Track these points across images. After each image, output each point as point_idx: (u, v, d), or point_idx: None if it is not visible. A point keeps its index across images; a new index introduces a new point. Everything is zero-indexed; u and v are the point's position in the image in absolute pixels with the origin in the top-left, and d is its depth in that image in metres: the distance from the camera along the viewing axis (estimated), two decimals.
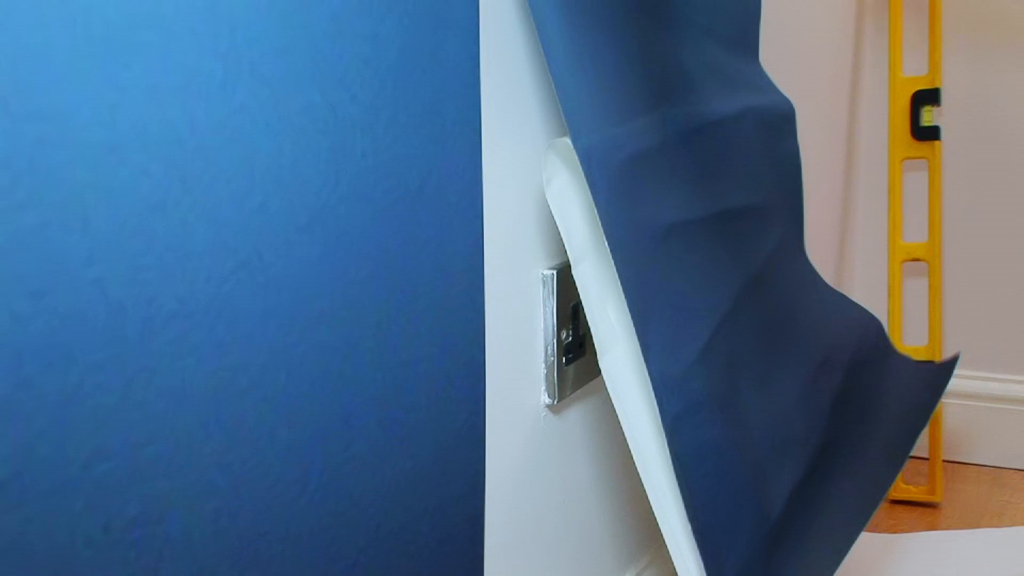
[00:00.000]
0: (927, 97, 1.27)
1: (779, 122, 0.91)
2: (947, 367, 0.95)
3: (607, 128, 0.60)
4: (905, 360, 0.96)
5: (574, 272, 0.60)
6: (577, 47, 0.60)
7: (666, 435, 0.58)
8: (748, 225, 0.79)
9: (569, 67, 0.58)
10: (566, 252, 0.66)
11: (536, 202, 0.62)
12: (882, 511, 1.22)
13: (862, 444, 0.82)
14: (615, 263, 0.56)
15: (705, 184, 0.72)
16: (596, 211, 0.56)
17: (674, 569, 0.88)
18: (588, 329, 0.68)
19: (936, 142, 1.28)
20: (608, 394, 0.75)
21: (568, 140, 0.57)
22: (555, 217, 0.58)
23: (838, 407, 0.81)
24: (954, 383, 1.43)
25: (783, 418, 0.74)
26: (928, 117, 1.28)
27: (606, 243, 0.56)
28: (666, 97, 0.71)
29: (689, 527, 0.58)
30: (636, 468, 0.81)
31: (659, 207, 0.63)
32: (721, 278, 0.71)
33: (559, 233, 0.66)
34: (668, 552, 0.88)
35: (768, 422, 0.71)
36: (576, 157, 0.57)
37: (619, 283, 0.59)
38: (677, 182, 0.67)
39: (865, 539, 0.99)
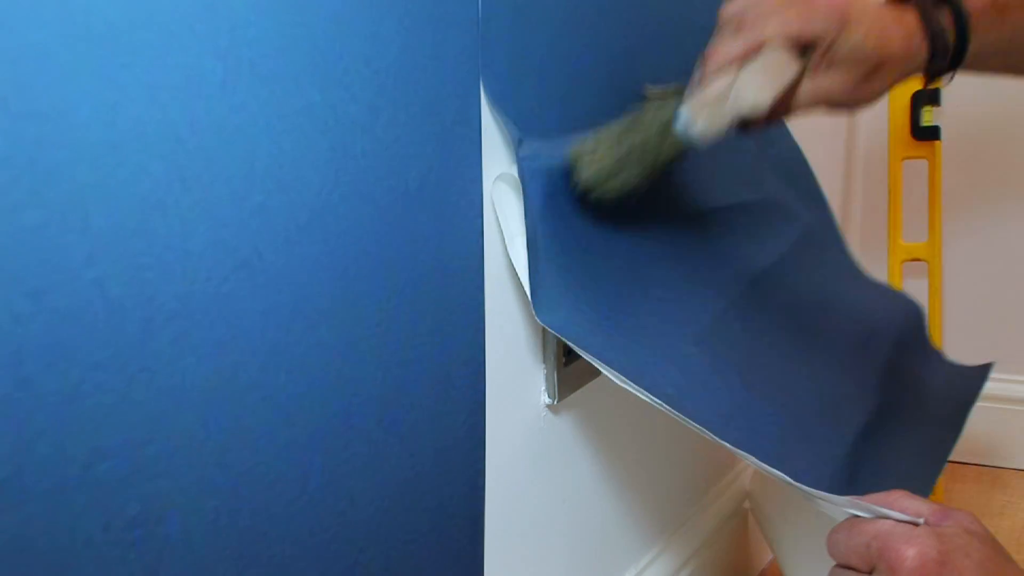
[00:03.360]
0: (927, 97, 1.27)
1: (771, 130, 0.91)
2: (981, 372, 0.95)
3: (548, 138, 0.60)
4: (941, 356, 0.96)
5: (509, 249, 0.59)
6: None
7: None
8: (740, 224, 0.79)
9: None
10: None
11: None
12: None
13: (915, 413, 0.82)
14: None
15: (680, 187, 0.73)
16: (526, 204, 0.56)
17: (673, 569, 0.88)
18: None
19: (936, 142, 1.27)
20: (608, 394, 0.75)
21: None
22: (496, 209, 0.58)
23: (889, 375, 0.81)
24: None
25: (831, 379, 0.74)
26: (928, 117, 1.28)
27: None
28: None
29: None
30: (636, 468, 0.82)
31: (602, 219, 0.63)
32: (702, 277, 0.72)
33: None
34: (666, 554, 0.88)
35: (811, 387, 0.71)
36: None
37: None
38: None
39: None
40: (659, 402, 0.55)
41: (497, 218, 0.58)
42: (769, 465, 0.53)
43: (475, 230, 0.56)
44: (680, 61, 0.77)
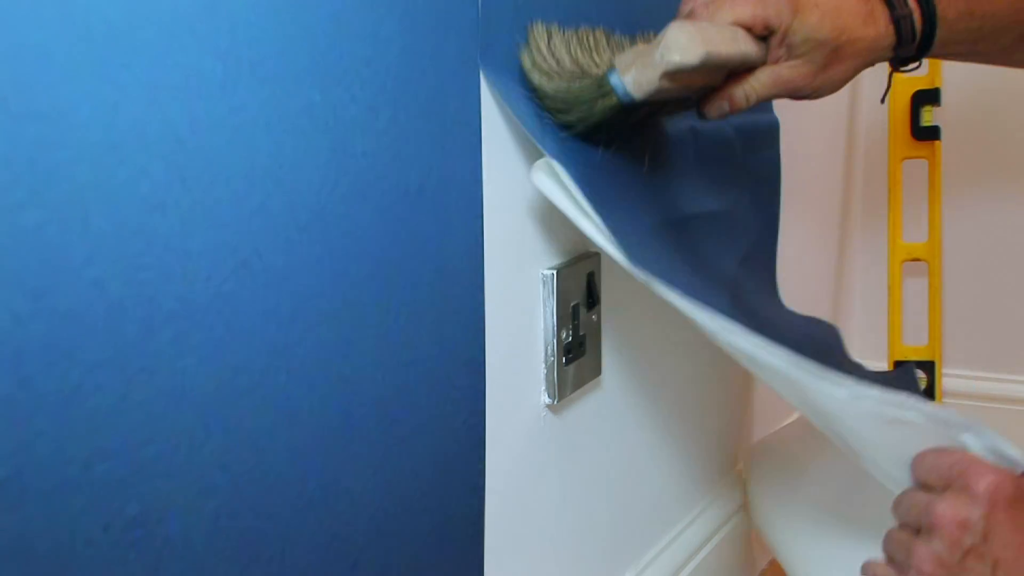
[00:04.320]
0: (927, 97, 1.27)
1: (761, 132, 0.91)
2: (907, 373, 0.96)
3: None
4: (864, 367, 0.96)
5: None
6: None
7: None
8: (708, 232, 0.79)
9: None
10: (566, 251, 0.66)
11: (536, 202, 0.62)
12: None
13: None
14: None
15: (666, 189, 0.72)
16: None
17: (673, 569, 0.88)
18: (589, 329, 0.69)
19: (936, 142, 1.28)
20: (607, 394, 0.75)
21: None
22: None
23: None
24: (954, 383, 1.43)
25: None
26: (928, 117, 1.28)
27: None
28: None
29: None
30: (636, 468, 0.82)
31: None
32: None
33: (558, 233, 0.66)
34: (666, 553, 0.88)
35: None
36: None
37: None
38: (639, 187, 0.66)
39: None
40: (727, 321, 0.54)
41: (513, 211, 0.58)
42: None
43: (475, 230, 0.56)
44: None
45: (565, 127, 0.60)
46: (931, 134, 1.27)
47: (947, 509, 0.49)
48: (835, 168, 1.39)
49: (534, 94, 0.59)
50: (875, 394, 0.52)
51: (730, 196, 0.84)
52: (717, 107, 0.66)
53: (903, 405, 0.51)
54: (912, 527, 0.52)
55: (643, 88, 0.57)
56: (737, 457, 1.07)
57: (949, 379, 1.43)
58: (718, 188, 0.81)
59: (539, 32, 0.59)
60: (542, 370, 0.65)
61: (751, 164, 0.88)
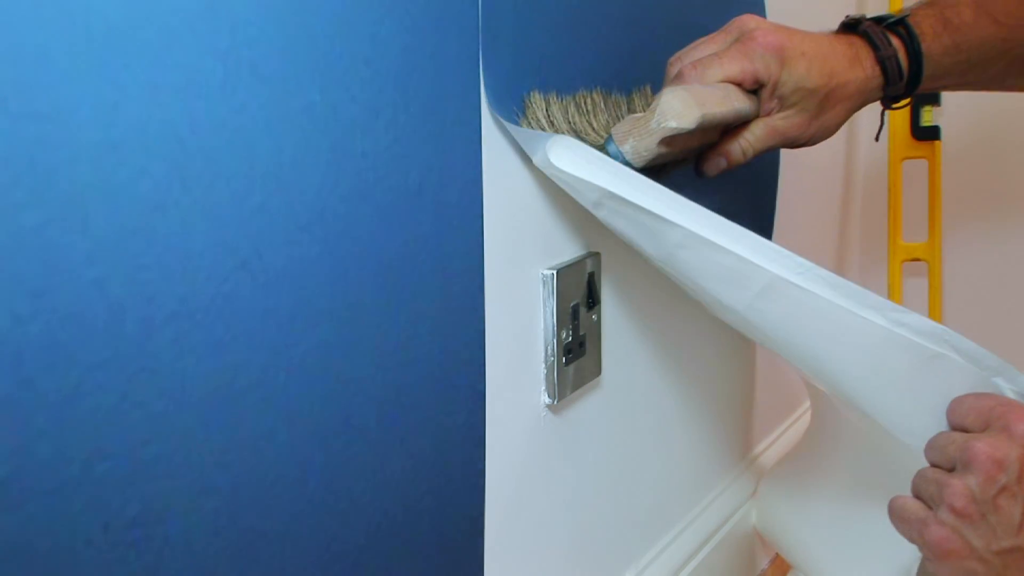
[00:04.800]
0: (927, 97, 1.27)
1: None
2: None
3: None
4: None
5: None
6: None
7: None
8: None
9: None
10: (566, 251, 0.66)
11: (536, 202, 0.62)
12: None
13: None
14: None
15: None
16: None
17: (673, 569, 0.88)
18: (589, 329, 0.69)
19: (936, 142, 1.28)
20: (607, 394, 0.75)
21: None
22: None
23: None
24: None
25: None
26: (928, 117, 1.28)
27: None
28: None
29: None
30: (636, 468, 0.82)
31: None
32: None
33: (558, 233, 0.66)
34: (666, 554, 0.88)
35: None
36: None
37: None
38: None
39: None
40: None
41: (513, 211, 0.58)
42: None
43: (475, 230, 0.56)
44: None
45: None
46: (931, 134, 1.28)
47: (985, 447, 0.50)
48: (835, 168, 1.39)
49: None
50: (913, 321, 0.52)
51: (724, 194, 0.84)
52: (715, 164, 0.67)
53: (940, 338, 0.52)
54: (946, 466, 0.53)
55: (642, 156, 0.58)
56: (737, 457, 1.07)
57: None
58: (712, 187, 0.81)
59: (537, 101, 0.59)
60: (542, 370, 0.65)
61: (751, 163, 0.88)
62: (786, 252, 0.54)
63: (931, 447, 0.54)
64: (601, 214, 0.58)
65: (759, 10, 0.94)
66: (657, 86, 0.69)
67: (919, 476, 0.54)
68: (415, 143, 0.50)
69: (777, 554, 1.13)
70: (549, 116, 0.60)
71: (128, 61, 0.35)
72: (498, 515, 0.61)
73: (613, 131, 0.59)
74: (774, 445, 1.18)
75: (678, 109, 0.57)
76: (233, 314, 0.40)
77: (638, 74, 0.72)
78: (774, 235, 1.02)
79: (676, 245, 0.56)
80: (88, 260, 0.34)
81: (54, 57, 0.33)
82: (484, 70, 0.55)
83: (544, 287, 0.64)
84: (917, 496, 0.54)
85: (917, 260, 1.32)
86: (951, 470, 0.52)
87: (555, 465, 0.68)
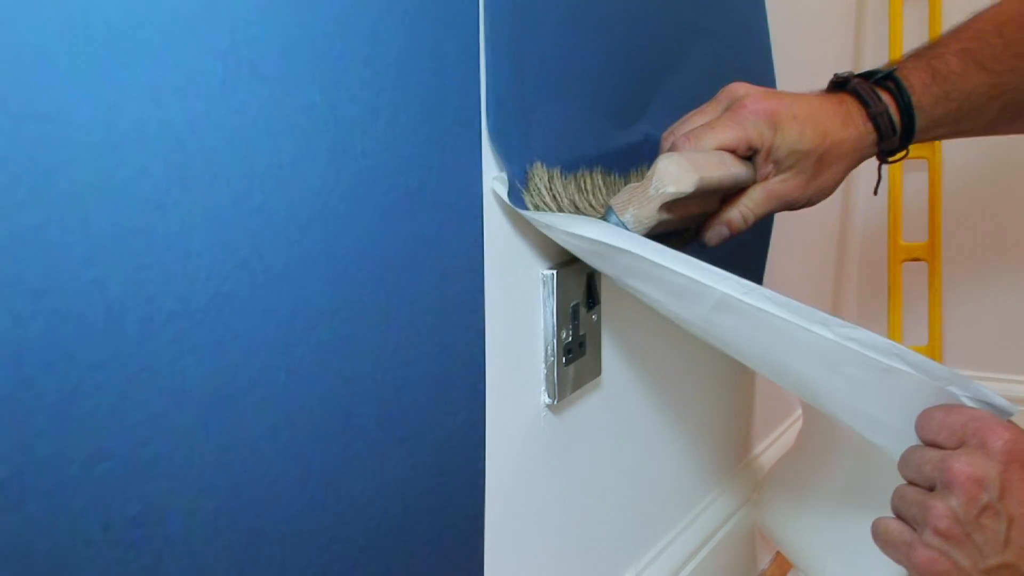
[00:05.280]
0: None
1: None
2: None
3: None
4: None
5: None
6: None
7: None
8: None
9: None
10: (566, 251, 0.66)
11: None
12: None
13: None
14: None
15: None
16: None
17: (674, 569, 0.88)
18: (589, 329, 0.69)
19: (936, 142, 1.28)
20: (607, 394, 0.75)
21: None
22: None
23: None
24: None
25: None
26: None
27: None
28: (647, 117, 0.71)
29: None
30: (636, 468, 0.82)
31: None
32: None
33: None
34: (666, 554, 0.88)
35: None
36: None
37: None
38: None
39: None
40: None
41: (513, 212, 0.59)
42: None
43: (475, 230, 0.56)
44: (683, 64, 0.77)
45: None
46: None
47: (964, 466, 0.49)
48: None
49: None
50: (862, 336, 0.52)
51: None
52: (717, 233, 0.67)
53: (889, 353, 0.51)
54: (924, 485, 0.52)
55: (642, 223, 0.58)
56: (737, 457, 1.07)
57: None
58: None
59: (540, 174, 0.60)
60: (542, 370, 0.65)
61: None
62: (730, 275, 0.54)
63: (905, 464, 0.54)
64: (561, 242, 0.60)
65: (766, 55, 0.94)
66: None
67: (898, 496, 0.54)
68: (415, 143, 0.50)
69: (777, 553, 1.13)
70: (552, 190, 0.61)
71: (128, 61, 0.35)
72: (498, 515, 0.61)
73: (612, 202, 0.60)
74: (773, 446, 1.18)
75: (676, 174, 0.57)
76: (233, 314, 0.40)
77: (642, 75, 0.72)
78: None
79: (624, 269, 0.57)
80: (88, 260, 0.34)
81: (54, 57, 0.33)
82: (486, 73, 0.55)
83: (544, 287, 0.64)
84: (899, 515, 0.54)
85: (917, 260, 1.32)
86: (930, 488, 0.52)
87: (555, 465, 0.68)
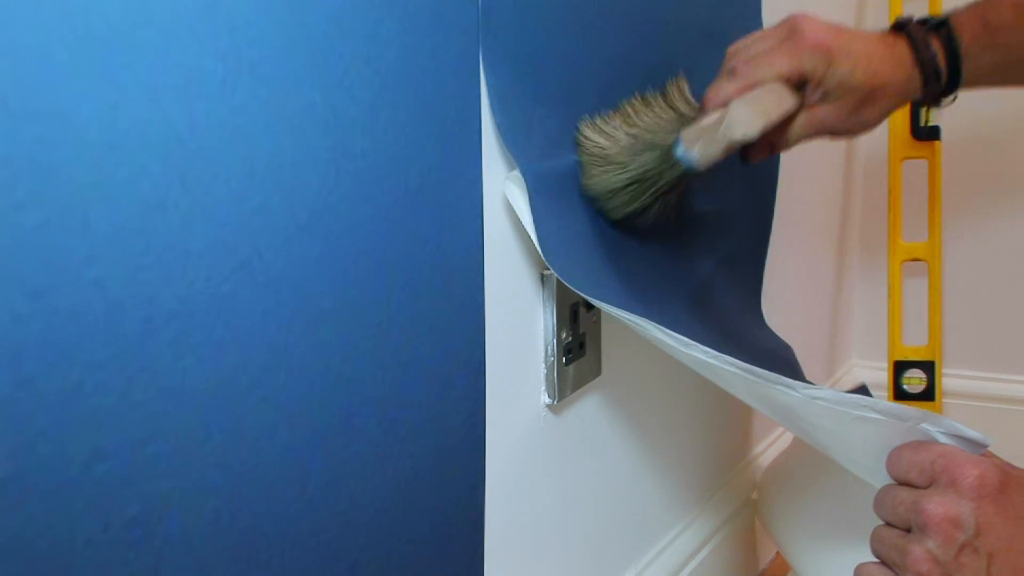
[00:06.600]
0: None
1: None
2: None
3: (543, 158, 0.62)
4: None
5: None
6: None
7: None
8: (691, 230, 0.79)
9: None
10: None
11: None
12: None
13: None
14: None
15: None
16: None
17: (674, 569, 0.88)
18: (589, 329, 0.69)
19: (936, 142, 1.27)
20: (607, 394, 0.75)
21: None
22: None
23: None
24: (954, 383, 1.43)
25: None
26: (928, 117, 1.28)
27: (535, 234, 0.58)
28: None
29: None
30: (636, 468, 0.82)
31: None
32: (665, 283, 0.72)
33: None
34: (666, 554, 0.88)
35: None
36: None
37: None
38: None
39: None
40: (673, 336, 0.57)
41: (513, 212, 0.59)
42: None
43: (475, 230, 0.56)
44: (683, 60, 0.77)
45: (624, 203, 0.65)
46: (931, 134, 1.27)
47: (937, 507, 0.49)
48: (835, 168, 1.39)
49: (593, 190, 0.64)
50: (828, 395, 0.52)
51: (722, 196, 0.84)
52: (762, 155, 0.71)
53: (856, 405, 0.52)
54: (900, 526, 0.52)
55: (708, 159, 0.62)
56: (737, 457, 1.07)
57: (949, 379, 1.43)
58: (713, 188, 0.81)
59: (587, 124, 0.65)
60: (542, 370, 0.65)
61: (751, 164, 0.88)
62: (694, 343, 0.56)
63: (880, 505, 0.54)
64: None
65: (756, 12, 0.94)
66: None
67: (876, 539, 0.54)
68: (415, 143, 0.50)
69: (777, 553, 1.13)
70: (603, 131, 0.65)
71: (128, 61, 0.35)
72: (498, 515, 0.61)
73: (683, 134, 0.63)
74: (773, 446, 1.18)
75: (746, 120, 0.61)
76: (233, 314, 0.40)
77: (642, 72, 0.72)
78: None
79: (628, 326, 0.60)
80: (88, 260, 0.34)
81: (54, 57, 0.33)
82: (486, 73, 0.55)
83: (544, 287, 0.64)
84: (879, 557, 0.54)
85: (917, 260, 1.32)
86: (907, 529, 0.52)
87: (555, 465, 0.68)
